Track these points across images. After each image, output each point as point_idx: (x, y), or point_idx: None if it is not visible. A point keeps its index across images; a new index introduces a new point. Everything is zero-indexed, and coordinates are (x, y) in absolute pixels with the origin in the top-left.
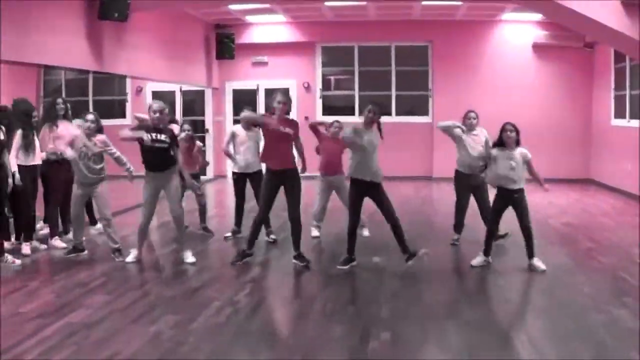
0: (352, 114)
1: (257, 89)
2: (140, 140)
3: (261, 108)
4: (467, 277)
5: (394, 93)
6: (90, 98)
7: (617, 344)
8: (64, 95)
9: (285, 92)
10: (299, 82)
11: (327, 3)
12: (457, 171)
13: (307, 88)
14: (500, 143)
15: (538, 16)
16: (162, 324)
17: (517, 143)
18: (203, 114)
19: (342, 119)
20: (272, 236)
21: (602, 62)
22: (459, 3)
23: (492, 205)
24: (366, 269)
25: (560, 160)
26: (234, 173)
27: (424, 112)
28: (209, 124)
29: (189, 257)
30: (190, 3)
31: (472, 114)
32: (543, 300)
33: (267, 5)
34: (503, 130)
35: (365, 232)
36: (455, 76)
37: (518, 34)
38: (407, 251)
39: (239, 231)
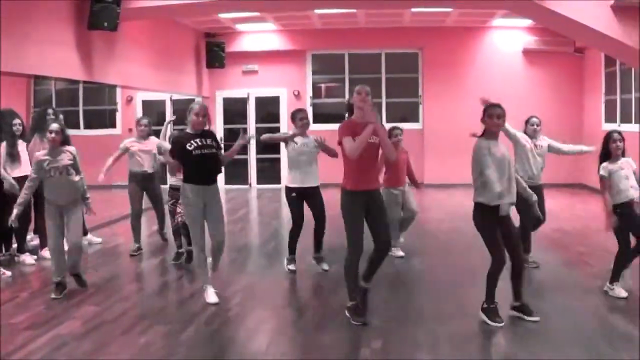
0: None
1: (248, 97)
2: (181, 154)
3: (251, 117)
4: (458, 285)
5: (384, 100)
6: (81, 108)
7: (610, 349)
8: (54, 105)
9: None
10: (289, 90)
11: (317, 11)
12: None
13: (298, 96)
14: (606, 154)
15: (528, 22)
16: (152, 335)
17: (623, 153)
18: None
19: (334, 126)
20: (325, 266)
21: (592, 66)
22: (449, 9)
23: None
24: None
25: (551, 165)
26: (289, 188)
27: (415, 119)
28: None
29: (211, 296)
30: (180, 12)
31: (535, 120)
32: (535, 306)
33: (257, 14)
34: (611, 140)
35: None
36: (445, 82)
37: (508, 39)
38: (519, 298)
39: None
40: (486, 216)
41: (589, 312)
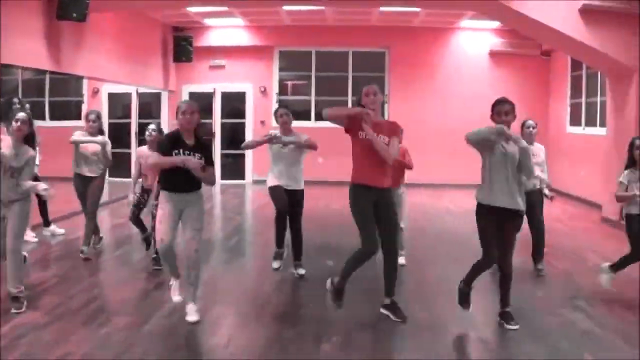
0: (309, 119)
1: (214, 92)
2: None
3: (217, 112)
4: (422, 282)
5: (350, 99)
6: (47, 99)
7: (571, 346)
8: (20, 95)
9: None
10: (255, 86)
11: (285, 7)
12: None
13: (264, 92)
14: (631, 163)
15: (495, 24)
16: (113, 326)
17: None
18: (159, 117)
19: (299, 124)
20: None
21: (558, 69)
22: (417, 9)
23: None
24: (319, 273)
25: None
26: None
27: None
28: (164, 127)
29: (192, 314)
30: (149, 4)
31: (531, 122)
32: (496, 304)
33: (225, 8)
34: (634, 147)
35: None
36: (411, 82)
37: (475, 41)
38: (504, 306)
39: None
40: (482, 215)
41: (549, 311)
